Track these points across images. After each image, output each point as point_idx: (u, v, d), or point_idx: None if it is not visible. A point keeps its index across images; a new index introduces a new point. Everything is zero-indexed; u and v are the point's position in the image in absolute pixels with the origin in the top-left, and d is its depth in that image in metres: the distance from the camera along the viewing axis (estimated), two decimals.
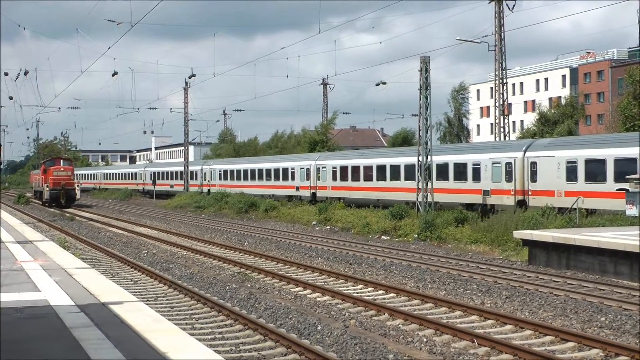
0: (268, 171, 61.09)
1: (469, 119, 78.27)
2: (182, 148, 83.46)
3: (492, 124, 79.70)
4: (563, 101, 69.94)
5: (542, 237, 24.53)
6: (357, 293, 19.84)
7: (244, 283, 21.44)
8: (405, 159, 44.06)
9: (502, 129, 48.84)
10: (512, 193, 36.17)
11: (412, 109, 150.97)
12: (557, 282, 21.08)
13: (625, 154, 31.62)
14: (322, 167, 52.87)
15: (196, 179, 76.63)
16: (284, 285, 21.25)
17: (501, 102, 49.00)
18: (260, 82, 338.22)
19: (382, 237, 36.08)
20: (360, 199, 47.13)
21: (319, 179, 53.26)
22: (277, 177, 59.47)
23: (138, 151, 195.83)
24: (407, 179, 43.01)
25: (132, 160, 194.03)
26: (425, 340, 13.91)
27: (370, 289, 20.55)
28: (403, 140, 74.19)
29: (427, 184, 37.67)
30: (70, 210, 63.06)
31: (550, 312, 16.73)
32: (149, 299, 18.45)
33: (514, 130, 75.87)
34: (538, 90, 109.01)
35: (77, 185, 71.43)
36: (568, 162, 33.84)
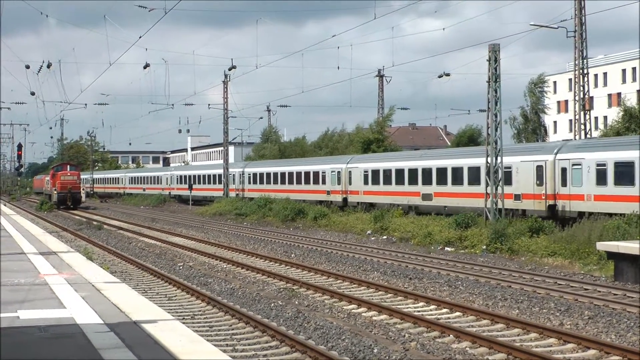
0: (299, 175, 63.41)
1: (547, 114, 77.36)
2: (222, 149, 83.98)
3: (570, 121, 78.69)
4: None
5: (631, 250, 24.12)
6: (418, 311, 19.73)
7: (291, 300, 21.46)
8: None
9: (582, 126, 48.21)
10: (543, 197, 38.13)
11: (480, 103, 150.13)
12: None
13: None
14: (354, 170, 55.34)
15: (217, 182, 79.95)
16: (336, 302, 21.22)
17: (581, 96, 48.36)
18: (308, 75, 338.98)
19: (446, 248, 35.85)
20: (390, 203, 48.94)
21: (350, 183, 55.92)
22: (307, 181, 61.81)
23: (172, 152, 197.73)
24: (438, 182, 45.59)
25: (166, 162, 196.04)
26: None
27: (432, 307, 20.42)
28: (469, 140, 73.66)
29: (496, 189, 37.35)
30: (97, 218, 64.01)
31: None
32: (185, 317, 18.56)
33: (596, 128, 74.85)
34: (624, 81, 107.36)
35: (83, 189, 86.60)
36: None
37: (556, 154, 37.84)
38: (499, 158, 37.41)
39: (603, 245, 26.10)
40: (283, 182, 66.01)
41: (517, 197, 39.30)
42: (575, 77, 48.80)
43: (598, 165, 35.30)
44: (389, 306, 20.04)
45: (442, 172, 45.31)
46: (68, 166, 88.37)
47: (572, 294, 21.73)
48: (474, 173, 42.24)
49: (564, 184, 37.08)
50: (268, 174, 69.78)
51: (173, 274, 27.63)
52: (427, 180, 46.40)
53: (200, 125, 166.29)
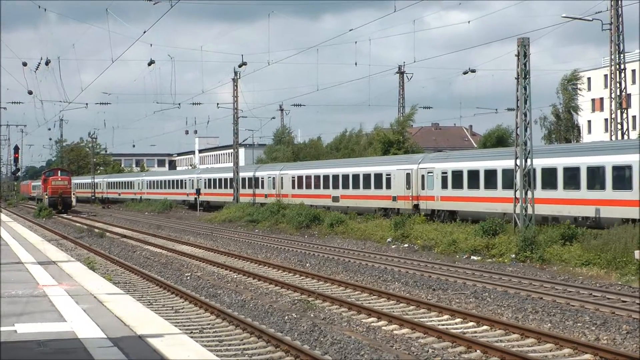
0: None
1: (579, 114, 77.00)
2: (231, 151, 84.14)
3: (606, 120, 78.45)
4: None
5: None
6: (443, 325, 19.71)
7: (306, 312, 21.47)
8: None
9: (618, 126, 48.03)
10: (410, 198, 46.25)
11: (508, 102, 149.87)
12: None
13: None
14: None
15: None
16: (354, 315, 21.22)
17: (618, 93, 48.21)
18: (324, 71, 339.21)
19: (472, 257, 35.79)
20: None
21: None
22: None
23: (179, 155, 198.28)
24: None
25: (172, 165, 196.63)
26: None
27: (458, 320, 20.40)
28: (498, 141, 73.34)
29: (526, 193, 37.25)
30: (99, 225, 64.29)
31: None
32: (194, 331, 18.60)
33: (633, 127, 74.56)
34: None
35: (74, 194, 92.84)
36: None
37: (419, 164, 50.58)
38: (529, 161, 37.32)
39: None
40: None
41: (394, 199, 52.65)
42: (611, 73, 48.69)
43: (443, 173, 48.11)
44: (411, 319, 20.03)
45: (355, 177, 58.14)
46: (59, 171, 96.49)
47: (609, 307, 21.66)
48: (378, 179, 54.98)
49: (422, 187, 49.96)
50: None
51: (180, 284, 27.69)
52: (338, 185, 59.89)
53: (208, 125, 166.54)
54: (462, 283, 27.17)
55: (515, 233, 36.25)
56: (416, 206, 50.73)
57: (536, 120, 69.71)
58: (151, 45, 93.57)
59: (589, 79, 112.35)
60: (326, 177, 62.58)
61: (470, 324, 19.85)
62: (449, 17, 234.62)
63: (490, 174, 44.34)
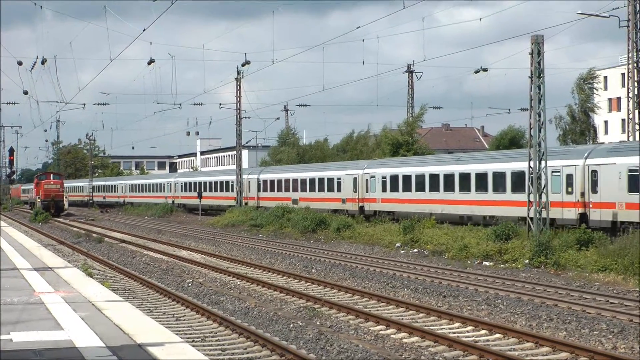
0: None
1: (597, 113, 76.89)
2: (234, 153, 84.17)
3: (623, 120, 78.34)
4: None
5: None
6: (454, 333, 19.69)
7: (312, 320, 21.48)
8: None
9: (636, 126, 47.95)
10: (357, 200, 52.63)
11: (521, 102, 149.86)
12: None
13: None
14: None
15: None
16: (362, 323, 21.22)
17: (635, 92, 48.15)
18: (330, 70, 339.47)
19: (484, 262, 35.77)
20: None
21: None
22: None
23: (179, 157, 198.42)
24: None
25: (173, 168, 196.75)
26: None
27: (469, 328, 20.38)
28: (510, 142, 73.28)
29: (540, 196, 37.22)
30: (97, 229, 64.39)
31: None
32: (195, 340, 18.61)
33: None
34: None
35: (66, 197, 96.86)
36: None
37: (364, 169, 58.42)
38: (542, 162, 37.29)
39: None
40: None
41: (344, 201, 59.98)
42: (628, 72, 48.62)
43: (382, 178, 55.47)
44: (421, 327, 20.02)
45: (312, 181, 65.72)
46: (51, 175, 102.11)
47: (627, 314, 21.63)
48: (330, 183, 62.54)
49: (366, 190, 57.30)
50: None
51: (181, 291, 27.71)
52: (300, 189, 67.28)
53: (210, 127, 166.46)
54: (474, 290, 27.14)
55: (529, 238, 36.22)
56: (362, 207, 58.35)
57: (551, 120, 69.69)
58: (151, 43, 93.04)
59: (605, 77, 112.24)
60: (287, 181, 70.61)
61: (483, 332, 19.83)
62: (460, 14, 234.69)
63: (420, 178, 51.66)
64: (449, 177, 48.76)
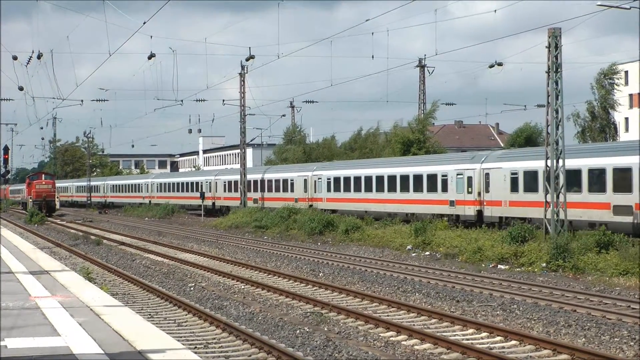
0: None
1: (617, 110, 76.63)
2: (238, 151, 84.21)
3: None
4: None
5: None
6: (467, 340, 19.68)
7: (319, 326, 21.48)
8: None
9: None
10: (306, 200, 66.83)
11: (538, 97, 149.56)
12: None
13: None
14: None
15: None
16: (371, 329, 21.21)
17: None
18: (338, 65, 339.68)
19: (499, 266, 35.73)
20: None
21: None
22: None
23: (181, 155, 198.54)
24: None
25: (174, 167, 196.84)
26: None
27: (484, 334, 20.37)
28: (527, 140, 73.04)
29: (557, 196, 37.15)
30: (95, 231, 64.46)
31: None
32: (198, 346, 18.63)
33: None
34: None
35: (58, 198, 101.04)
36: None
37: (313, 171, 66.67)
38: (560, 161, 37.22)
39: None
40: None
41: (296, 200, 67.33)
42: None
43: (327, 179, 64.03)
44: (433, 333, 20.00)
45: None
46: (43, 175, 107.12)
47: None
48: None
49: (314, 190, 65.81)
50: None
51: (183, 296, 27.73)
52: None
53: (213, 124, 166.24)
54: (489, 294, 27.12)
55: (546, 240, 36.15)
56: (311, 207, 65.13)
57: (569, 116, 69.54)
58: (151, 37, 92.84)
59: (626, 72, 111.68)
60: (249, 182, 77.32)
61: (498, 338, 19.80)
62: (474, 5, 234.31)
63: (357, 180, 59.75)
64: (379, 179, 57.12)
